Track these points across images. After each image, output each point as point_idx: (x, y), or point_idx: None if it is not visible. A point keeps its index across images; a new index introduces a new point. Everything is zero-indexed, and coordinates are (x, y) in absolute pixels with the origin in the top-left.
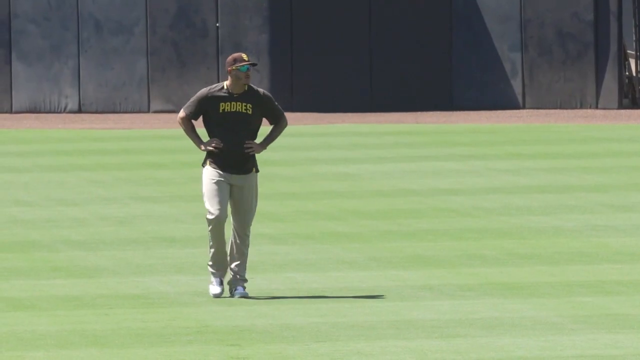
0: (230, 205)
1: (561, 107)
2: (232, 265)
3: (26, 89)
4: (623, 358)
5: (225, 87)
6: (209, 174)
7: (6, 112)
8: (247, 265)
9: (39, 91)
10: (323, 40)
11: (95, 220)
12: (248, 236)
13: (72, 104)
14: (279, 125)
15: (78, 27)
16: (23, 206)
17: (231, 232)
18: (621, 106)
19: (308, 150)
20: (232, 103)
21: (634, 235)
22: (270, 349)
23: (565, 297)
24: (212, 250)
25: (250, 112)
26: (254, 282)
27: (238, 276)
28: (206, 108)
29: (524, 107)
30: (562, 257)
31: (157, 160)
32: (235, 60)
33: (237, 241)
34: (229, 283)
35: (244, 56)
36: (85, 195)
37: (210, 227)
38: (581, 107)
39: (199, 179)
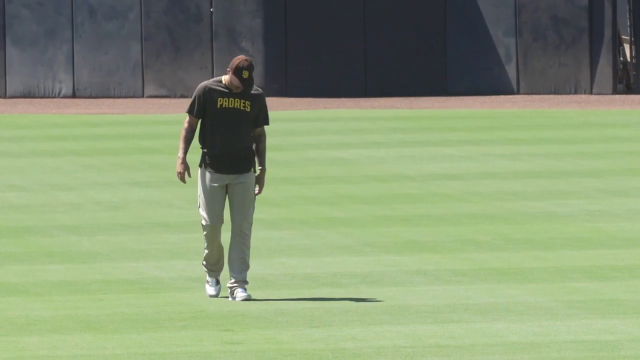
0: (229, 205)
1: (555, 93)
2: (232, 271)
3: (20, 74)
4: (617, 343)
5: (223, 81)
6: (204, 178)
7: (0, 97)
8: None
9: (33, 76)
10: (317, 25)
11: (90, 205)
12: (248, 236)
13: (66, 89)
14: (262, 139)
15: (72, 12)
16: (17, 191)
17: (230, 235)
18: (615, 91)
19: (302, 136)
20: (231, 99)
21: (628, 220)
22: (264, 334)
23: (559, 282)
24: (207, 251)
25: (248, 110)
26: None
27: (238, 282)
28: (205, 100)
29: (518, 93)
30: (557, 242)
31: (152, 145)
32: (236, 69)
33: (237, 241)
34: (228, 286)
35: (244, 74)
36: (80, 180)
37: (206, 232)
38: (575, 92)
39: (192, 164)
